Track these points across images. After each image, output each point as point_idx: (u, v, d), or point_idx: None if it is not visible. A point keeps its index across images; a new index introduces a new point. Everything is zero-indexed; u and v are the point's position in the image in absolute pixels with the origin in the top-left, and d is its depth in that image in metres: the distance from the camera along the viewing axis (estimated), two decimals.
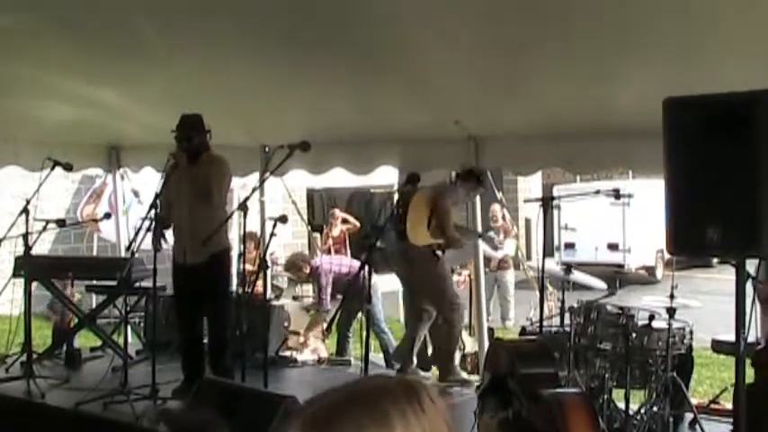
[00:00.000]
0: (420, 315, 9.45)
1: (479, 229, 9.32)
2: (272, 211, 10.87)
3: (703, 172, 4.67)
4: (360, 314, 9.80)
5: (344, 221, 18.41)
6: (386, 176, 13.01)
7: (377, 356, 10.81)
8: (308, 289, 18.35)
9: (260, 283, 9.41)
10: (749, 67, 5.75)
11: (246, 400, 6.37)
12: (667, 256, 8.26)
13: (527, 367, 6.49)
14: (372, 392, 1.67)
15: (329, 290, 10.70)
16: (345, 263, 11.25)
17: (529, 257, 17.95)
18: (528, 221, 23.27)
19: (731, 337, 5.87)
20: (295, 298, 18.03)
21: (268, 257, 9.73)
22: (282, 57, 7.47)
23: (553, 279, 10.05)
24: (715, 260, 15.24)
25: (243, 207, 7.83)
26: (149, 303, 10.22)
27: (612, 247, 20.67)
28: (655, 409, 6.99)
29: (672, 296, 7.08)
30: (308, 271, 11.03)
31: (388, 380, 1.74)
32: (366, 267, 6.51)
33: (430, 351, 10.82)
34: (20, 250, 9.14)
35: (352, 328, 10.85)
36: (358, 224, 18.23)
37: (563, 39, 6.32)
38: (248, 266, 10.37)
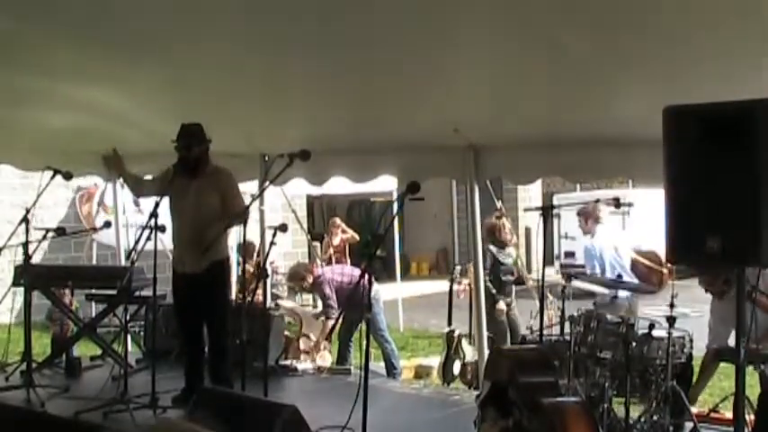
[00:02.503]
0: None
1: (479, 238, 9.28)
2: (273, 220, 10.86)
3: (703, 180, 4.68)
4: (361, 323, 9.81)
5: (344, 231, 18.45)
6: (386, 184, 13.02)
7: (378, 365, 10.80)
8: (308, 298, 18.38)
9: (260, 291, 9.41)
10: (749, 77, 5.75)
11: (246, 409, 6.36)
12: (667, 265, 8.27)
13: (527, 376, 6.49)
14: None
15: (334, 296, 10.69)
16: (347, 272, 11.25)
17: (529, 267, 17.97)
18: (528, 230, 23.29)
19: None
20: None
21: (268, 266, 9.73)
22: (282, 66, 7.48)
23: (553, 288, 10.07)
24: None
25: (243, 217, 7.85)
26: (149, 312, 10.22)
27: None
28: (655, 418, 6.99)
29: (672, 305, 7.08)
30: (310, 281, 11.03)
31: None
32: (366, 276, 6.50)
33: (457, 368, 10.85)
34: (20, 259, 9.15)
35: (353, 338, 10.83)
36: (357, 237, 18.26)
37: (562, 48, 6.32)
38: (248, 267, 10.39)
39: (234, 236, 10.60)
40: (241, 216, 8.05)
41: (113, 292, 9.88)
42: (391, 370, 11.09)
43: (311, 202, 23.35)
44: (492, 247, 11.26)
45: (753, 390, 6.68)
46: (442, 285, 13.21)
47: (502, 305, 11.10)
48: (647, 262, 11.30)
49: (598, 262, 10.10)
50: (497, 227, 11.37)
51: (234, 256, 9.84)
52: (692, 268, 7.28)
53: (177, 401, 8.19)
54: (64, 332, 10.95)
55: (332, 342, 11.21)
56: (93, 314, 11.53)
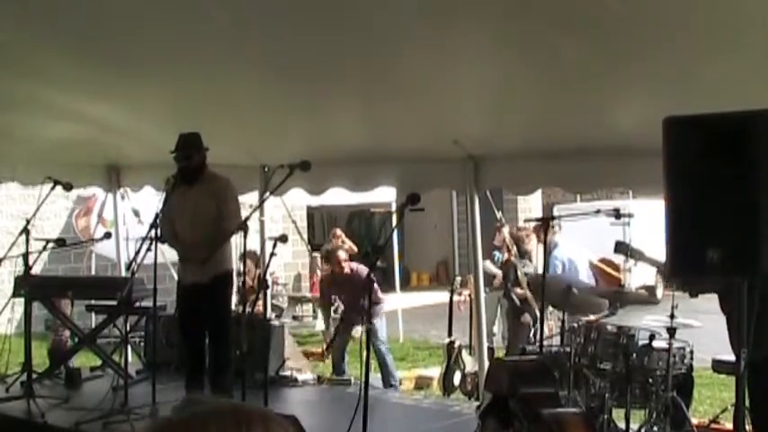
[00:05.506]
0: None
1: (479, 249, 9.27)
2: (273, 231, 10.85)
3: (703, 191, 4.67)
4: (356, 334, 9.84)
5: (343, 242, 18.45)
6: (385, 194, 13.04)
7: (374, 376, 10.76)
8: (308, 308, 18.38)
9: (260, 302, 9.41)
10: (749, 87, 5.76)
11: None
12: None
13: (527, 387, 6.50)
14: (204, 417, 1.67)
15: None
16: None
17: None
18: None
19: (731, 357, 5.87)
20: (295, 317, 18.05)
21: (268, 277, 9.73)
22: (283, 77, 7.49)
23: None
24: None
25: (243, 227, 7.86)
26: (149, 323, 10.22)
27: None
28: (655, 429, 6.98)
29: (672, 316, 7.08)
30: (347, 269, 10.93)
31: (226, 406, 1.74)
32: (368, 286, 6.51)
33: (457, 378, 10.81)
34: (20, 270, 9.15)
35: (347, 348, 10.79)
36: (356, 248, 18.28)
37: (561, 59, 6.33)
38: (248, 280, 10.35)
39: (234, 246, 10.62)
40: (230, 235, 8.14)
41: (113, 302, 9.88)
42: (388, 380, 11.00)
43: (311, 212, 23.37)
44: (514, 259, 11.26)
45: None
46: (442, 296, 13.19)
47: (527, 317, 11.07)
48: (607, 268, 12.26)
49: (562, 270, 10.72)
50: (521, 237, 11.37)
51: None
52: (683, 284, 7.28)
53: (177, 412, 8.17)
54: (63, 343, 10.95)
55: (330, 352, 11.19)
56: (93, 325, 11.53)
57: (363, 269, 10.98)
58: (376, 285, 10.95)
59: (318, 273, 19.23)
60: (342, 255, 10.92)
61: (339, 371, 10.90)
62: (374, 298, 10.70)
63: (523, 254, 11.32)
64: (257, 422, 1.66)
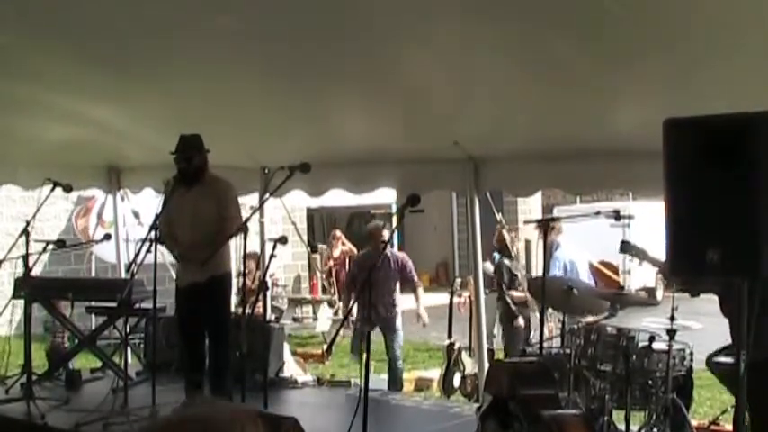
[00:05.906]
0: None
1: (479, 250, 9.27)
2: (273, 233, 10.82)
3: (703, 192, 4.67)
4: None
5: (343, 243, 18.46)
6: (385, 196, 13.02)
7: (379, 378, 10.73)
8: (308, 310, 18.37)
9: (260, 304, 9.41)
10: (749, 89, 5.76)
11: None
12: None
13: (527, 388, 6.49)
14: (205, 420, 1.69)
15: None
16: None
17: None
18: (528, 243, 23.25)
19: (727, 359, 5.87)
20: (295, 319, 18.05)
21: (268, 279, 9.72)
22: (283, 78, 7.49)
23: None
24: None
25: (243, 228, 7.86)
26: (149, 324, 10.22)
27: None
28: (655, 430, 6.97)
29: (672, 317, 7.07)
30: (386, 251, 10.60)
31: (225, 411, 1.76)
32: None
33: (457, 380, 10.80)
34: (20, 272, 9.15)
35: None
36: (355, 250, 18.28)
37: (561, 59, 6.33)
38: (247, 282, 10.35)
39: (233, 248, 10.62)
40: (229, 238, 8.14)
41: (113, 304, 9.88)
42: (395, 385, 10.89)
43: (311, 214, 23.37)
44: (506, 261, 11.25)
45: None
46: (442, 298, 13.18)
47: (521, 321, 11.05)
48: (606, 271, 12.35)
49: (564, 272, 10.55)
50: (510, 239, 11.38)
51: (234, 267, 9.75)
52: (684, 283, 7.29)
53: None
54: (61, 345, 10.95)
55: (330, 354, 11.15)
56: (93, 326, 11.52)
57: (399, 254, 10.97)
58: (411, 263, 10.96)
59: (318, 274, 19.25)
60: (387, 234, 10.71)
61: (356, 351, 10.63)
62: (416, 281, 10.79)
63: (509, 254, 11.34)
64: (249, 422, 1.68)
